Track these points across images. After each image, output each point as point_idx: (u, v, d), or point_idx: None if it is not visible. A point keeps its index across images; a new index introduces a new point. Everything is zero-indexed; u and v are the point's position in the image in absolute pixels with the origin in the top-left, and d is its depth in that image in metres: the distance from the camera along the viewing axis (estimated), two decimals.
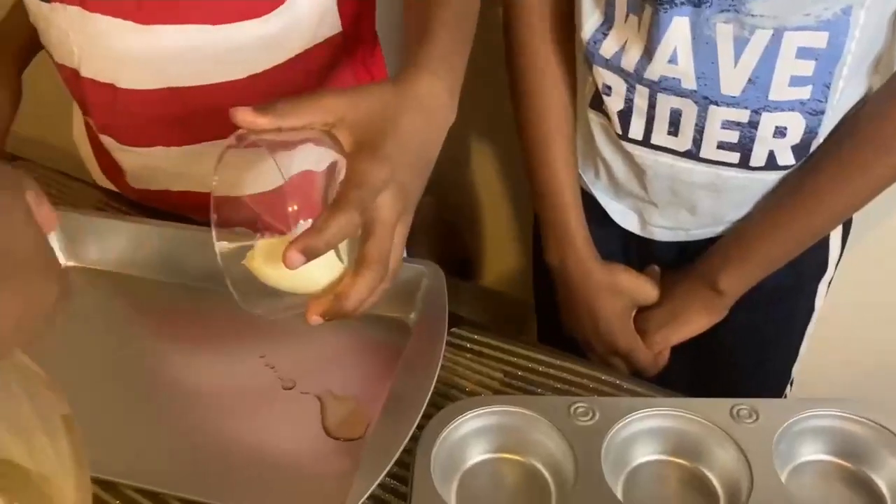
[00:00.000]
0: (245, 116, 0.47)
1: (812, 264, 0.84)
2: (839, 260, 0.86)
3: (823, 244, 0.83)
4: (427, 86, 0.52)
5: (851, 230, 0.88)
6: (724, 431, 0.53)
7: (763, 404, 0.54)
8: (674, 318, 0.83)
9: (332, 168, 0.49)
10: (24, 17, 0.72)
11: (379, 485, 0.50)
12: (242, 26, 0.65)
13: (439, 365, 0.57)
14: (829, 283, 0.87)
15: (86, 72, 0.68)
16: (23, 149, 0.86)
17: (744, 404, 0.54)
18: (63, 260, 0.69)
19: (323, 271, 0.48)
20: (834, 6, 0.62)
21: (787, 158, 0.71)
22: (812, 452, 0.54)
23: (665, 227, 0.83)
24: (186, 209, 0.74)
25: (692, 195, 0.77)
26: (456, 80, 0.56)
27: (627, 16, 0.69)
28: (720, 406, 0.54)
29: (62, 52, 0.69)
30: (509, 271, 1.35)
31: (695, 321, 0.82)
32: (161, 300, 0.67)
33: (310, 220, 0.46)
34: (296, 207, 0.47)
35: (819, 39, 0.64)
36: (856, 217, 0.86)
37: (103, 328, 0.66)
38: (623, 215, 0.84)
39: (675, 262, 0.85)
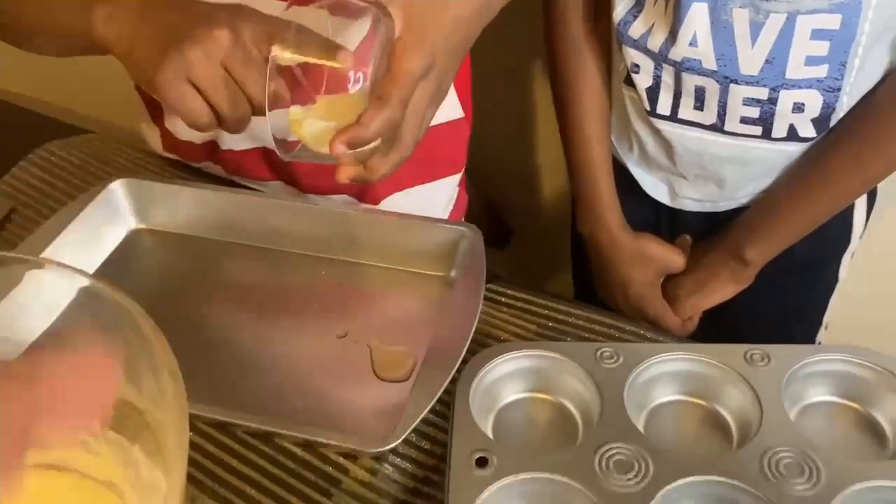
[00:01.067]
0: None
1: (837, 237, 0.88)
2: (863, 232, 0.89)
3: (848, 217, 0.86)
4: None
5: (876, 204, 0.91)
6: (737, 373, 0.57)
7: (775, 349, 0.59)
8: (702, 286, 0.87)
9: (384, 41, 0.53)
10: None
11: (423, 420, 0.56)
12: None
13: (478, 315, 0.62)
14: (853, 254, 0.90)
15: None
16: (95, 127, 0.93)
17: (757, 349, 0.59)
18: (134, 223, 0.76)
19: None
20: None
21: (807, 131, 0.75)
22: (820, 394, 0.58)
23: (694, 199, 0.87)
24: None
25: (719, 168, 0.81)
26: None
27: (656, 1, 0.74)
28: (735, 350, 0.59)
29: None
30: (549, 243, 1.39)
31: (722, 289, 0.87)
32: (222, 258, 0.74)
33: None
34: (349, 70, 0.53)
35: (832, 21, 0.67)
36: (881, 190, 0.89)
37: (171, 283, 0.72)
38: (654, 187, 0.89)
39: (704, 233, 0.89)
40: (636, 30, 0.76)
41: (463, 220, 0.93)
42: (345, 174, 0.55)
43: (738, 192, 0.83)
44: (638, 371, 0.58)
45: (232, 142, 0.80)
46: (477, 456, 0.52)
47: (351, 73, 0.53)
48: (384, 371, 0.62)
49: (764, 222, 0.81)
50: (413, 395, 0.56)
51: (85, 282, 0.45)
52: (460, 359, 0.58)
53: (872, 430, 0.57)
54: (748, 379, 0.57)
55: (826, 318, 0.95)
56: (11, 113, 1.00)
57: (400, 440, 0.53)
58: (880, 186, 0.85)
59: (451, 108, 0.84)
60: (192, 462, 0.56)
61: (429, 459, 0.56)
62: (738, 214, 0.85)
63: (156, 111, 0.85)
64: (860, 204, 0.85)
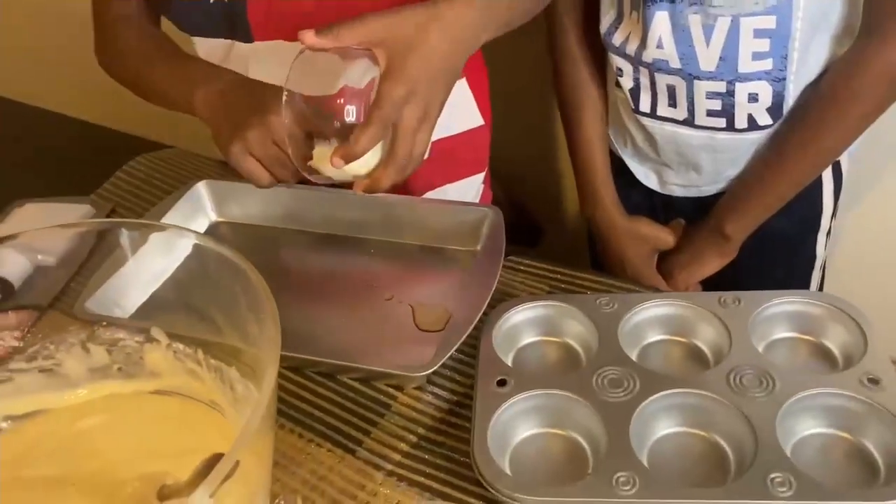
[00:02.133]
0: (309, 37, 0.62)
1: (807, 216, 0.99)
2: (833, 213, 1.01)
3: (815, 197, 0.98)
4: (456, 13, 0.64)
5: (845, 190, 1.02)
6: (712, 313, 0.70)
7: (744, 294, 0.71)
8: (692, 260, 1.00)
9: (375, 82, 0.64)
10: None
11: (455, 359, 0.70)
12: None
13: (497, 276, 0.76)
14: (828, 234, 1.01)
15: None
16: (175, 141, 1.09)
17: (729, 295, 0.71)
18: (214, 217, 0.92)
19: (364, 163, 0.66)
20: None
21: (765, 119, 0.87)
22: (783, 330, 0.70)
23: (679, 185, 1.00)
24: None
25: (695, 156, 0.93)
26: (492, 11, 0.67)
27: (631, 12, 0.87)
28: (710, 296, 0.71)
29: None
30: (576, 239, 1.52)
31: (709, 262, 0.99)
32: (288, 243, 0.89)
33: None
34: (348, 107, 0.64)
35: (769, 21, 0.80)
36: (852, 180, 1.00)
37: (248, 257, 0.87)
38: (646, 176, 1.02)
39: (695, 216, 1.01)
40: (617, 38, 0.90)
41: None
42: (357, 187, 0.68)
43: (716, 178, 0.96)
44: (630, 314, 0.71)
45: None
46: (498, 378, 0.65)
47: (347, 107, 0.64)
48: (424, 323, 0.76)
49: (738, 201, 0.93)
50: (445, 335, 0.70)
51: (202, 242, 0.58)
52: (482, 309, 0.71)
53: (825, 355, 0.68)
54: (721, 318, 0.69)
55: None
56: (102, 136, 1.17)
57: (435, 367, 0.67)
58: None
59: (471, 118, 0.98)
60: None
61: (460, 388, 0.70)
62: (716, 200, 0.97)
63: None
64: (827, 185, 0.97)
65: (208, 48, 0.90)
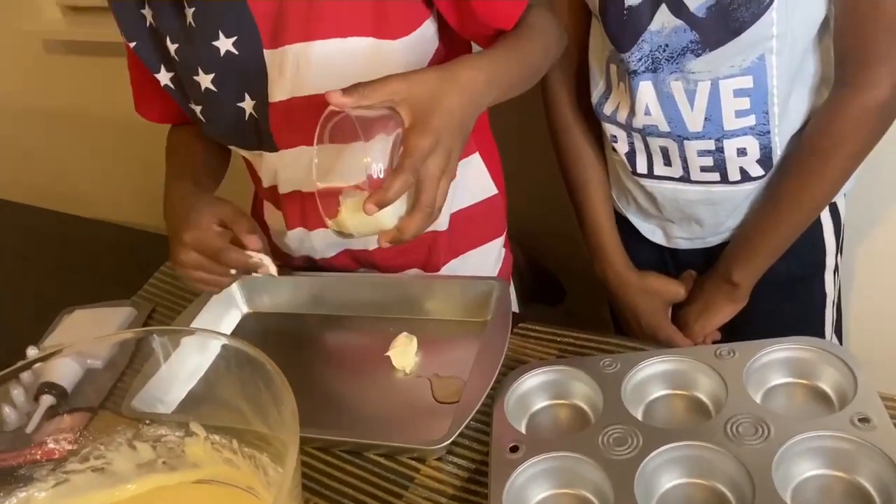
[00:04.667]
0: (336, 98, 0.68)
1: (811, 257, 1.03)
2: (838, 251, 1.04)
3: (818, 239, 1.02)
4: (468, 75, 0.73)
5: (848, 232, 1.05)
6: (709, 366, 0.74)
7: (740, 346, 0.75)
8: (705, 310, 1.04)
9: (398, 136, 0.69)
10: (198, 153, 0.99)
11: (472, 428, 0.74)
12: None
13: (506, 345, 0.81)
14: (835, 272, 1.05)
15: (307, 189, 0.94)
16: None
17: (725, 347, 0.75)
18: (246, 308, 0.99)
19: (390, 214, 0.69)
20: (751, 56, 0.84)
21: (756, 171, 0.92)
22: (779, 377, 0.74)
23: (684, 238, 1.04)
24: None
25: (695, 210, 0.98)
26: (496, 77, 0.76)
27: (619, 83, 0.93)
28: (707, 350, 0.75)
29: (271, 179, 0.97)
30: (594, 294, 1.57)
31: (722, 310, 1.02)
32: (314, 326, 0.95)
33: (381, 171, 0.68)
34: (372, 163, 0.69)
35: (747, 81, 0.85)
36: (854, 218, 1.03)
37: (277, 348, 0.93)
38: (652, 232, 1.07)
39: (703, 265, 1.06)
40: (608, 108, 0.96)
41: (511, 272, 1.12)
42: (384, 238, 0.71)
43: (718, 229, 1.00)
44: (632, 373, 0.75)
45: (322, 251, 1.01)
46: (510, 445, 0.70)
47: (373, 165, 0.70)
48: (441, 396, 0.81)
49: (742, 249, 0.98)
50: (459, 408, 0.75)
51: (227, 341, 0.65)
52: (493, 378, 0.77)
53: (821, 397, 0.72)
54: (717, 369, 0.73)
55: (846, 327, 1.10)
56: (136, 237, 1.26)
57: (451, 439, 0.72)
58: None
59: (486, 188, 1.04)
60: (303, 475, 0.75)
61: (478, 455, 0.75)
62: (721, 250, 1.01)
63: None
64: (827, 226, 1.00)
65: (252, 157, 0.98)
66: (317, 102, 0.84)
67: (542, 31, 0.86)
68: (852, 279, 1.27)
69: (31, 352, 0.94)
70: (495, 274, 1.08)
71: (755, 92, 0.86)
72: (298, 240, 1.00)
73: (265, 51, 0.86)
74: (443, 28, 0.88)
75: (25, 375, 0.78)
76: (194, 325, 0.92)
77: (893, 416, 0.66)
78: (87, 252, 1.24)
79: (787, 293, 1.02)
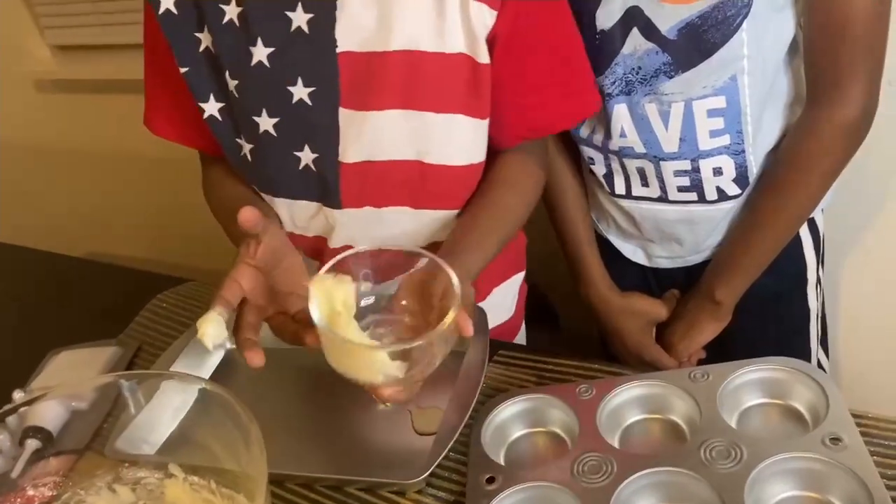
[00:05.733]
0: None
1: (792, 272, 1.03)
2: (819, 265, 1.05)
3: (798, 255, 1.02)
4: (470, 259, 0.81)
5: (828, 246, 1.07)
6: (684, 390, 0.74)
7: (713, 368, 0.75)
8: (689, 329, 1.04)
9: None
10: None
11: (451, 459, 0.75)
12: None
13: (483, 374, 0.81)
14: (817, 285, 1.05)
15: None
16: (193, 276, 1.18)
17: (699, 370, 0.76)
18: (229, 344, 0.99)
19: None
20: (723, 76, 0.85)
21: (733, 189, 0.93)
22: (753, 398, 0.74)
23: (665, 257, 1.05)
24: None
25: (674, 230, 0.99)
26: (490, 252, 0.85)
27: None
28: (681, 373, 0.76)
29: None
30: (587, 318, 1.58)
31: (706, 329, 1.03)
32: (296, 361, 0.95)
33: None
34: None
35: (719, 101, 0.87)
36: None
37: (261, 383, 0.94)
38: (633, 253, 1.07)
39: (686, 284, 1.06)
40: (584, 131, 0.97)
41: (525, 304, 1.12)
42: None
43: (698, 247, 1.01)
44: (608, 398, 0.76)
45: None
46: (486, 476, 0.71)
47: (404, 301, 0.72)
48: (421, 427, 0.81)
49: (723, 267, 0.98)
50: (437, 440, 0.75)
51: (203, 385, 0.67)
52: (471, 408, 0.77)
53: (795, 417, 0.72)
54: (692, 393, 0.74)
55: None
56: (123, 275, 1.27)
57: (429, 471, 0.72)
58: None
59: None
60: None
61: (457, 486, 0.75)
62: (702, 269, 1.02)
63: None
64: (806, 241, 1.01)
65: (295, 209, 0.93)
66: (395, 168, 0.86)
67: (525, 191, 0.91)
68: (838, 293, 1.28)
69: (18, 395, 0.94)
70: (513, 308, 1.08)
71: (728, 111, 0.87)
72: None
73: (341, 109, 0.84)
74: None
75: (11, 420, 0.79)
76: (177, 363, 0.93)
77: (865, 434, 0.67)
78: (74, 290, 1.25)
79: (771, 309, 1.03)
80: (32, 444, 0.79)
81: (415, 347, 0.64)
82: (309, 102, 0.83)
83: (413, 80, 0.81)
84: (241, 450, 0.62)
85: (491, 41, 0.81)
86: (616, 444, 0.73)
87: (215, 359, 0.98)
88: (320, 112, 0.84)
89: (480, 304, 1.03)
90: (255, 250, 0.72)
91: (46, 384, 0.99)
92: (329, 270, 0.67)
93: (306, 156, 0.87)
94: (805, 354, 1.08)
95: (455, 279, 0.67)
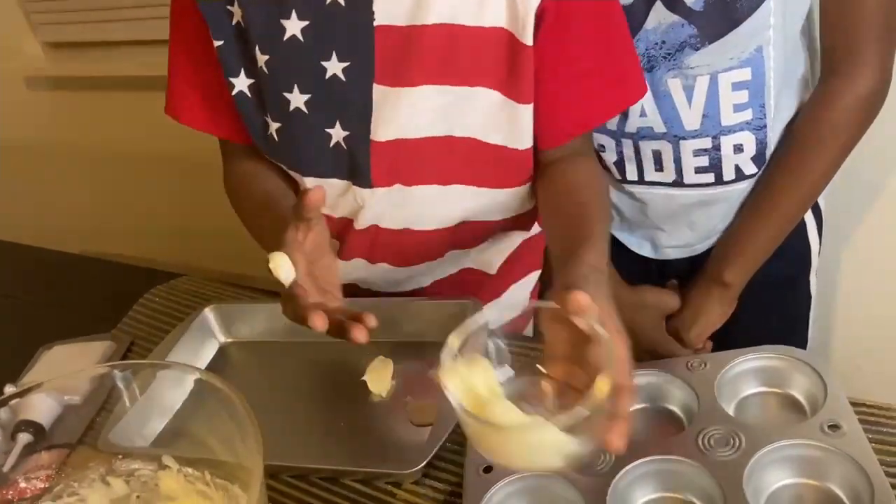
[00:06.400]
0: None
1: (799, 255, 1.03)
2: (819, 250, 1.05)
3: (804, 239, 1.02)
4: (603, 262, 0.70)
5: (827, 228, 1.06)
6: (681, 379, 0.74)
7: (710, 357, 0.75)
8: (697, 316, 1.03)
9: None
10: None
11: (448, 450, 0.75)
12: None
13: None
14: (816, 273, 1.05)
15: (387, 226, 0.92)
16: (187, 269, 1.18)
17: (696, 358, 0.75)
18: (223, 339, 0.99)
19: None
20: (749, 48, 0.84)
21: (750, 168, 0.92)
22: (751, 387, 0.74)
23: (673, 247, 1.04)
24: None
25: (688, 214, 0.98)
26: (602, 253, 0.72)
27: None
28: (679, 362, 0.76)
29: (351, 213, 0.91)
30: None
31: (714, 314, 1.01)
32: (291, 353, 0.95)
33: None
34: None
35: (745, 74, 0.86)
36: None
37: (255, 375, 0.94)
38: (640, 245, 1.06)
39: (689, 275, 1.05)
40: None
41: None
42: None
43: (709, 233, 1.00)
44: None
45: (375, 283, 0.99)
46: (484, 466, 0.70)
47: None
48: (416, 418, 0.81)
49: (733, 247, 0.97)
50: (433, 430, 0.75)
51: (198, 375, 0.66)
52: None
53: (793, 405, 0.72)
54: (689, 382, 0.73)
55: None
56: (115, 270, 1.27)
57: (425, 462, 0.71)
58: None
59: (534, 228, 1.03)
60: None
61: (454, 477, 0.74)
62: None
63: None
64: (810, 224, 1.01)
65: (326, 186, 0.89)
66: (425, 145, 0.84)
67: (605, 192, 0.87)
68: (837, 280, 1.28)
69: (10, 389, 0.94)
70: (529, 292, 1.08)
71: (753, 84, 0.87)
72: (354, 269, 0.98)
73: (375, 85, 0.82)
74: None
75: (2, 413, 0.79)
76: (172, 356, 0.92)
77: (863, 422, 0.67)
78: (67, 286, 1.24)
79: (775, 295, 1.02)
80: (24, 437, 0.79)
81: (593, 412, 0.52)
82: (343, 78, 0.82)
83: (449, 54, 0.80)
84: (236, 441, 0.61)
85: (537, 20, 0.78)
86: None
87: (209, 352, 0.97)
88: (354, 88, 0.82)
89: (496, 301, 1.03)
90: (305, 235, 0.70)
91: (38, 379, 0.98)
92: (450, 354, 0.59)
93: (337, 133, 0.86)
94: (804, 341, 1.08)
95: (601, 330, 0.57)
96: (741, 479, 0.63)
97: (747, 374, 0.74)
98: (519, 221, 0.98)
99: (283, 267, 0.67)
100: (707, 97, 0.88)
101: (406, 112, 0.82)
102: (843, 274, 1.26)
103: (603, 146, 0.98)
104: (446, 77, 0.81)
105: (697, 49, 0.86)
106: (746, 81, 0.87)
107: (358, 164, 0.86)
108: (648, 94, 0.90)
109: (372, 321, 0.68)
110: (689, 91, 0.88)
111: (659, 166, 0.95)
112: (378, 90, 0.82)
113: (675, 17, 0.85)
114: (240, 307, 0.99)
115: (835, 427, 0.65)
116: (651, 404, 0.75)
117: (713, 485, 0.64)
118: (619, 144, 0.96)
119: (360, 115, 0.83)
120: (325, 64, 0.82)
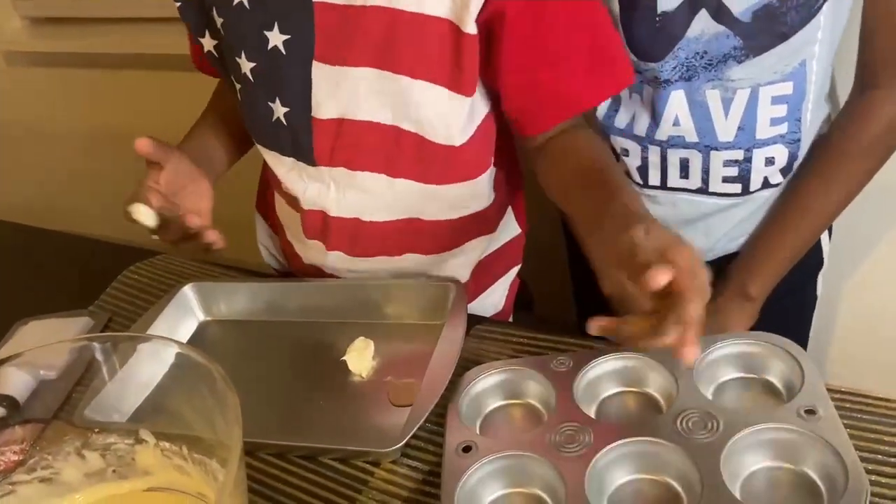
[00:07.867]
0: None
1: (812, 261, 1.02)
2: (828, 251, 1.04)
3: (817, 244, 1.01)
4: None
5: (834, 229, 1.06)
6: (660, 363, 0.74)
7: None
8: (722, 329, 0.98)
9: None
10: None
11: (427, 430, 0.74)
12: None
13: (460, 347, 0.81)
14: (823, 274, 1.05)
15: (336, 212, 0.93)
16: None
17: None
18: (202, 317, 0.98)
19: None
20: (793, 62, 0.83)
21: (776, 178, 0.91)
22: (729, 372, 0.74)
23: None
24: None
25: (706, 221, 0.96)
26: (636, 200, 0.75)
27: (631, 94, 0.91)
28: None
29: (310, 199, 0.93)
30: (558, 299, 1.58)
31: (738, 327, 0.98)
32: (271, 333, 0.95)
33: None
34: None
35: (786, 88, 0.84)
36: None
37: (235, 354, 0.93)
38: None
39: None
40: (620, 120, 0.93)
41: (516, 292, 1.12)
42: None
43: (721, 240, 0.99)
44: (584, 371, 0.75)
45: (334, 268, 1.00)
46: (463, 445, 0.70)
47: None
48: (397, 399, 0.81)
49: (759, 260, 0.96)
50: (413, 410, 0.75)
51: (179, 348, 0.65)
52: (447, 379, 0.77)
53: (770, 391, 0.72)
54: (668, 366, 0.74)
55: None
56: (93, 247, 1.25)
57: (404, 441, 0.71)
58: None
59: (512, 231, 1.05)
60: (258, 481, 0.75)
61: (434, 457, 0.74)
62: (727, 261, 0.99)
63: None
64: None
65: (274, 161, 0.94)
66: (370, 130, 0.85)
67: (607, 149, 0.89)
68: (842, 282, 1.28)
69: None
70: (503, 302, 1.08)
71: (793, 98, 0.85)
72: (314, 252, 0.99)
73: (315, 62, 0.83)
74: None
75: None
76: (152, 331, 0.91)
77: (840, 408, 0.67)
78: (43, 263, 1.23)
79: (787, 298, 1.01)
80: None
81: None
82: (283, 51, 0.83)
83: (389, 39, 0.80)
84: (215, 416, 0.61)
85: (498, 14, 0.78)
86: (593, 416, 0.73)
87: (188, 330, 0.97)
88: (293, 62, 0.83)
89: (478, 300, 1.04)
90: (158, 177, 0.86)
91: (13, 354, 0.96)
92: None
93: (278, 109, 0.87)
94: (805, 340, 1.08)
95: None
96: (718, 462, 0.63)
97: (725, 359, 0.74)
98: (478, 221, 0.97)
99: (142, 213, 0.83)
100: (745, 110, 0.86)
101: (347, 92, 0.83)
102: (843, 273, 1.26)
103: (627, 150, 0.95)
104: (387, 63, 0.81)
105: (741, 62, 0.83)
106: (787, 95, 0.85)
107: (300, 141, 0.88)
108: (684, 104, 0.87)
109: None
110: (727, 103, 0.86)
111: (685, 174, 0.93)
112: (318, 67, 0.83)
113: (721, 28, 0.82)
114: (220, 285, 0.98)
115: (811, 412, 0.66)
116: (630, 388, 0.76)
117: (691, 466, 0.64)
118: (644, 150, 0.94)
119: (297, 92, 0.85)
120: (267, 34, 0.83)
